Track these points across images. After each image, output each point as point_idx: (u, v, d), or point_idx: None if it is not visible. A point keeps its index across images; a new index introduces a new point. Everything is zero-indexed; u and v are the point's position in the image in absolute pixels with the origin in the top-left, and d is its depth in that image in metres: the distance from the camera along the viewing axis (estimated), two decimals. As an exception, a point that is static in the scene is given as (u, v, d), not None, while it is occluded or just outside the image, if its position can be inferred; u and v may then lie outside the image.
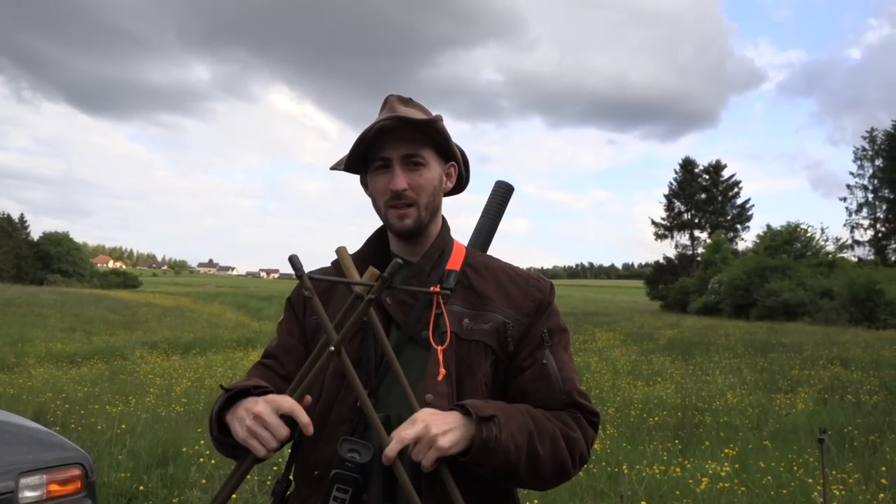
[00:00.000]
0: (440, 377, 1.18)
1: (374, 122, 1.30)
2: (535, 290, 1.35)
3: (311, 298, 1.20)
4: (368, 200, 1.40)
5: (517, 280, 1.36)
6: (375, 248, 1.41)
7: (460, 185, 1.46)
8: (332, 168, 1.39)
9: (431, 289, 1.20)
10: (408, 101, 1.36)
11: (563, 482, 1.30)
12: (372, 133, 1.29)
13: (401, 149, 1.30)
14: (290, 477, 1.34)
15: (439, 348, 1.14)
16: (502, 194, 1.57)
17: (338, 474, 1.15)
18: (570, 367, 1.33)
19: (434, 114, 1.39)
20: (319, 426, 1.24)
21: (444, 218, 1.42)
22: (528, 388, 1.29)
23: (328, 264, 1.43)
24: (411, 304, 1.30)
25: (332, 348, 1.14)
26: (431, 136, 1.31)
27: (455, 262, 1.35)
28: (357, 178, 1.42)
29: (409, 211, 1.31)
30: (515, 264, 1.43)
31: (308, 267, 1.26)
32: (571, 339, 1.40)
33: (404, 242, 1.37)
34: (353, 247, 1.41)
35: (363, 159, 1.36)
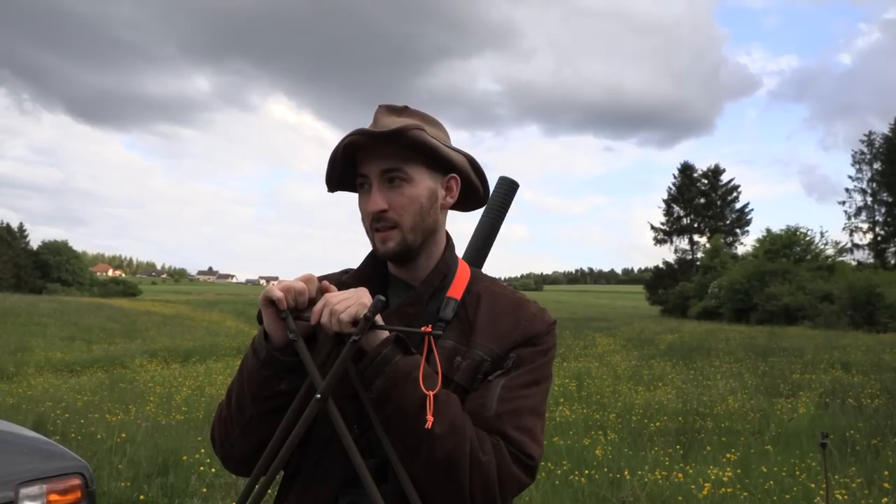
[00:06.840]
0: (428, 425, 1.03)
1: (342, 138, 1.17)
2: (527, 322, 1.21)
3: (296, 342, 1.07)
4: None
5: (513, 311, 1.22)
6: (374, 269, 1.28)
7: (477, 197, 1.31)
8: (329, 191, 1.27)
9: (423, 329, 1.06)
10: (401, 111, 1.22)
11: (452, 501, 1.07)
12: (339, 152, 1.17)
13: (378, 164, 1.17)
14: None
15: (430, 393, 1.02)
16: (504, 191, 1.46)
17: None
18: (521, 401, 1.14)
19: (435, 121, 1.26)
20: (315, 464, 1.18)
21: (448, 236, 1.29)
22: (465, 404, 1.13)
23: (336, 270, 1.34)
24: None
25: (319, 395, 1.05)
26: (412, 148, 1.16)
27: (457, 289, 1.22)
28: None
29: (391, 234, 1.18)
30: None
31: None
32: (549, 387, 1.21)
33: (399, 266, 1.25)
34: (350, 253, 1.37)
35: (352, 176, 1.23)
